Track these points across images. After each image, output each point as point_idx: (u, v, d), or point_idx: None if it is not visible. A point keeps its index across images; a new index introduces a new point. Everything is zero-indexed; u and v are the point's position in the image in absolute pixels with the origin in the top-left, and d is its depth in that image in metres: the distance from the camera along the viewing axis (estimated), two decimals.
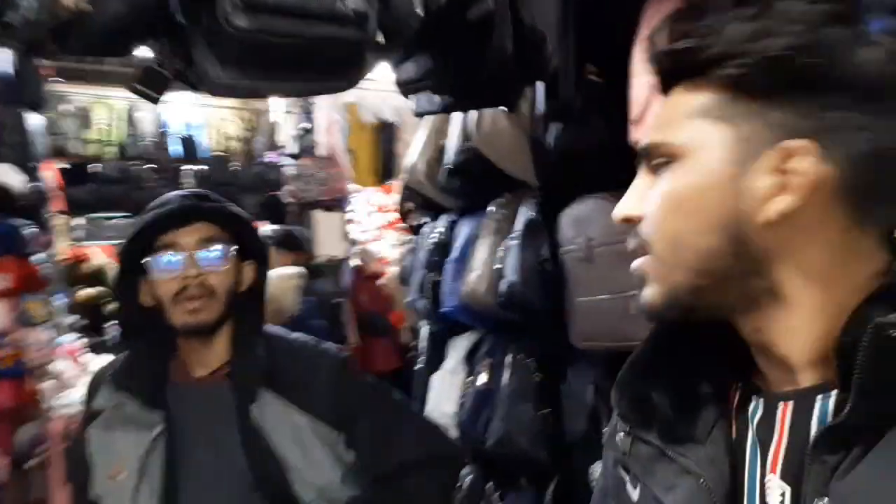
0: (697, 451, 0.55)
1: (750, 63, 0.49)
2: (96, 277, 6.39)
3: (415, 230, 2.50)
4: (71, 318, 4.91)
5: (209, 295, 1.08)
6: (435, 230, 2.15)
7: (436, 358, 2.14)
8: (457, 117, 1.83)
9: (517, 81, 1.09)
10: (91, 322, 5.92)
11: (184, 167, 5.95)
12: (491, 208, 1.78)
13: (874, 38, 0.49)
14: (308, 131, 6.24)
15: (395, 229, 8.10)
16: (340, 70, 0.95)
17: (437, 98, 1.18)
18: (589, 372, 1.53)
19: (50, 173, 4.11)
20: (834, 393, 0.49)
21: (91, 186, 5.58)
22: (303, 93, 1.08)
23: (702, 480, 0.54)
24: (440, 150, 1.98)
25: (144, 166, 5.78)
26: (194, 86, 0.92)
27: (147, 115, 5.96)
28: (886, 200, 0.51)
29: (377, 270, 6.34)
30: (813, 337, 0.50)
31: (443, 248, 2.04)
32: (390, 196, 7.95)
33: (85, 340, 4.58)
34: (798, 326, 0.51)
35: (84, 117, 5.70)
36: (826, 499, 0.45)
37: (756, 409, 0.55)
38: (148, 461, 1.07)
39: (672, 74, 0.55)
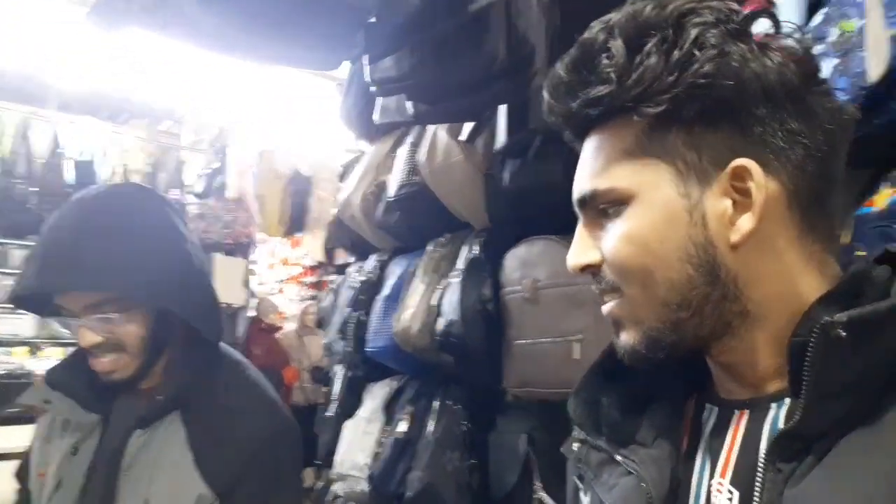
0: (640, 453, 0.56)
1: (671, 97, 0.49)
2: None
3: (339, 270, 2.39)
4: None
5: (118, 351, 0.95)
6: (363, 269, 2.06)
7: (350, 404, 2.00)
8: (402, 152, 1.79)
9: (497, 95, 1.06)
10: None
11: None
12: (430, 247, 1.72)
13: (771, 44, 0.51)
14: (218, 172, 6.01)
15: (297, 283, 7.88)
16: (331, 41, 0.88)
17: (408, 104, 1.13)
18: (522, 421, 1.46)
19: None
20: (788, 400, 0.49)
21: None
22: (287, 61, 0.99)
23: (642, 481, 0.54)
24: (379, 186, 1.92)
25: (31, 188, 5.31)
26: (162, 29, 0.81)
27: (43, 134, 5.53)
28: (825, 208, 0.52)
29: (274, 323, 6.06)
30: (778, 347, 0.49)
31: (371, 286, 1.95)
32: (296, 249, 7.75)
33: None
34: (764, 340, 0.51)
35: None
36: None
37: (709, 416, 0.56)
38: (71, 465, 0.97)
39: (588, 121, 0.55)
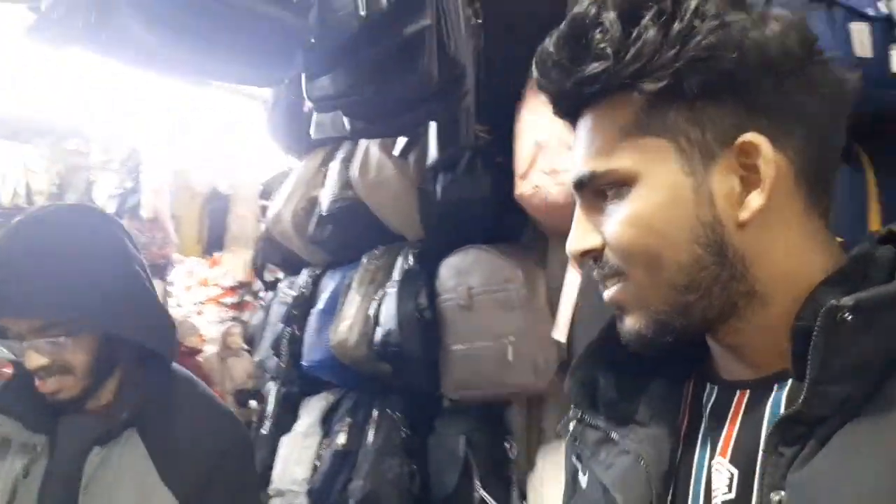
0: (639, 432, 0.55)
1: (673, 72, 0.47)
2: None
3: (268, 286, 2.38)
4: None
5: (64, 373, 0.94)
6: (295, 284, 2.07)
7: (286, 421, 1.99)
8: (333, 167, 1.82)
9: (430, 113, 1.12)
10: None
11: None
12: (365, 259, 1.76)
13: (770, 14, 0.49)
14: (132, 191, 5.79)
15: (217, 304, 7.64)
16: (271, 59, 0.90)
17: (343, 121, 1.17)
18: (460, 423, 1.52)
19: None
20: (790, 381, 0.48)
21: None
22: (230, 77, 0.99)
23: (640, 460, 0.53)
24: (310, 201, 1.94)
25: None
26: (104, 49, 0.81)
27: None
28: (827, 182, 0.51)
29: (195, 346, 5.86)
30: (783, 329, 0.48)
31: (305, 301, 1.96)
32: (215, 269, 7.53)
33: None
34: (769, 322, 0.50)
35: None
36: (783, 492, 0.44)
37: (710, 395, 0.54)
38: (22, 487, 0.94)
39: (582, 99, 0.52)
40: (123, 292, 0.95)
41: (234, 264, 7.03)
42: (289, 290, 2.11)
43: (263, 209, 6.60)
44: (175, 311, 6.66)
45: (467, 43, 0.99)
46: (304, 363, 1.85)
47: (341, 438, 1.71)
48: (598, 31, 0.48)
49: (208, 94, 5.88)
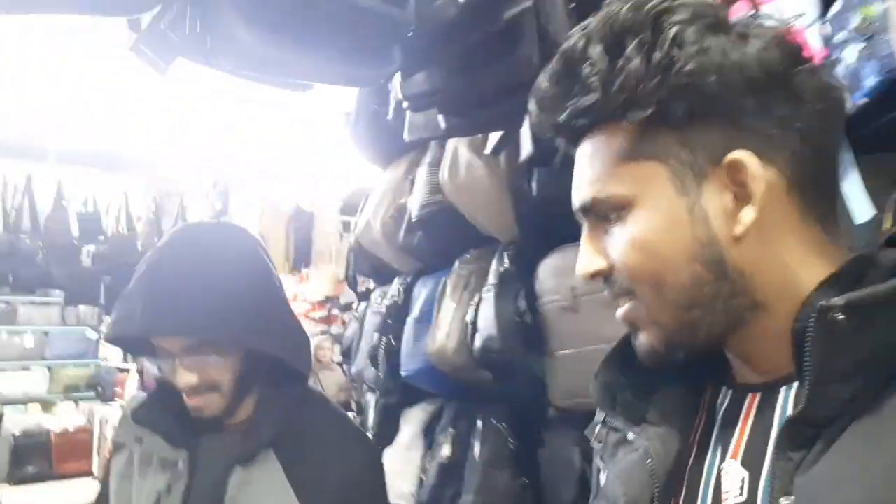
0: (649, 430, 0.57)
1: (658, 99, 0.49)
2: None
3: (361, 297, 2.37)
4: None
5: (211, 391, 0.96)
6: (387, 294, 2.04)
7: (387, 433, 1.96)
8: (421, 173, 1.78)
9: (527, 102, 1.05)
10: None
11: (84, 246, 5.52)
12: (457, 264, 1.70)
13: (750, 32, 0.50)
14: (221, 213, 6.03)
15: (306, 319, 7.84)
16: (373, 56, 0.87)
17: (439, 118, 1.13)
18: (571, 433, 1.43)
19: None
20: (796, 384, 0.49)
21: None
22: (333, 78, 0.97)
23: (647, 455, 0.55)
24: (398, 208, 1.91)
25: (37, 243, 5.31)
26: (208, 57, 0.80)
27: (45, 188, 5.55)
28: (824, 190, 0.52)
29: None
30: (787, 334, 0.49)
31: (398, 310, 1.93)
32: (303, 285, 7.74)
33: None
34: (774, 329, 0.51)
35: None
36: (792, 497, 0.45)
37: (724, 399, 0.56)
38: (165, 501, 0.97)
39: (578, 130, 0.55)
40: (267, 309, 0.97)
41: (321, 279, 7.22)
42: (381, 299, 2.09)
43: (345, 224, 6.74)
44: None
45: (566, 23, 0.92)
46: (402, 373, 1.81)
47: (445, 450, 1.66)
48: (586, 65, 0.51)
49: (287, 116, 6.07)
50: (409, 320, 1.82)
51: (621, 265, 0.53)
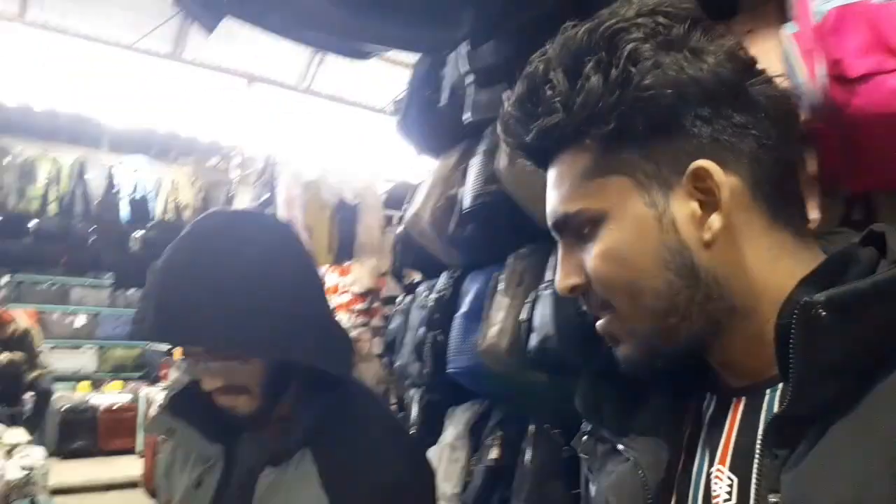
0: (638, 441, 0.58)
1: (618, 115, 0.51)
2: (18, 342, 5.82)
3: (407, 290, 2.31)
4: None
5: (240, 393, 0.89)
6: (434, 287, 1.97)
7: (430, 430, 1.90)
8: (475, 162, 1.70)
9: None
10: (7, 391, 5.33)
11: (133, 232, 5.64)
12: (510, 259, 1.62)
13: (706, 47, 0.52)
14: (267, 203, 6.07)
15: (347, 311, 7.88)
16: (444, 17, 0.80)
17: (503, 97, 1.05)
18: None
19: None
20: (781, 385, 0.50)
21: (27, 241, 5.17)
22: (402, 42, 0.91)
23: (637, 466, 0.56)
24: (448, 199, 1.84)
25: (90, 227, 5.44)
26: (260, 15, 0.74)
27: (98, 174, 5.67)
28: (788, 194, 0.53)
29: None
30: (769, 336, 0.49)
31: (446, 304, 1.85)
32: (345, 277, 7.77)
33: None
34: (755, 332, 0.52)
35: (26, 172, 5.36)
36: (779, 494, 0.45)
37: (709, 405, 0.57)
38: (193, 499, 0.93)
39: (545, 150, 0.57)
40: (300, 314, 0.87)
41: (363, 272, 7.22)
42: (428, 293, 2.02)
43: (388, 218, 6.73)
44: None
45: None
46: (449, 370, 1.74)
47: (493, 453, 1.58)
48: (547, 87, 0.53)
49: (335, 107, 6.07)
50: (458, 316, 1.75)
51: (597, 278, 0.54)
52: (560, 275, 0.58)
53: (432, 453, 1.80)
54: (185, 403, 0.96)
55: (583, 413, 0.65)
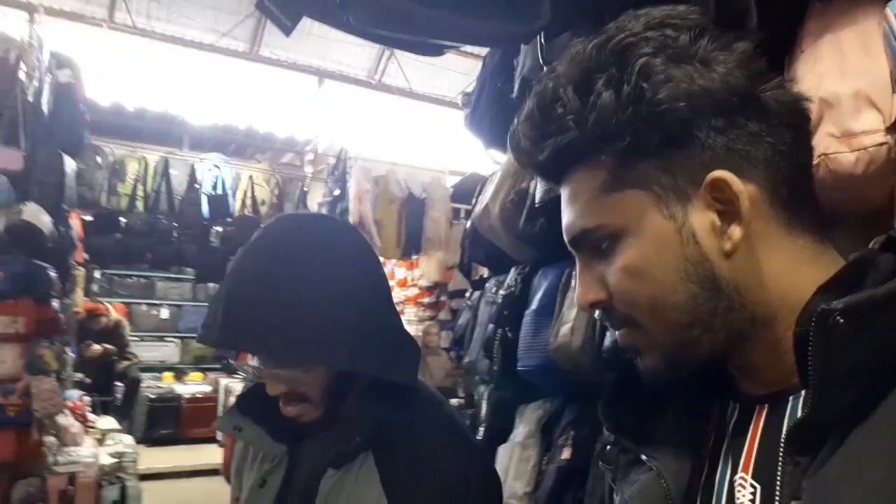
0: (662, 450, 0.58)
1: (632, 130, 0.50)
2: (111, 333, 6.18)
3: (475, 285, 2.29)
4: (78, 375, 4.68)
5: (302, 402, 0.89)
6: (503, 283, 1.94)
7: (499, 428, 1.88)
8: None
9: None
10: (99, 380, 5.67)
11: (213, 227, 5.87)
12: None
13: (716, 57, 0.51)
14: (339, 199, 6.19)
15: (415, 304, 7.94)
16: (523, 9, 0.77)
17: None
18: None
19: (75, 222, 3.99)
20: (803, 392, 0.49)
21: (116, 237, 5.47)
22: (482, 38, 0.88)
23: (660, 475, 0.56)
24: (519, 193, 1.80)
25: (174, 224, 5.69)
26: (337, 14, 0.73)
27: (180, 172, 5.93)
28: (806, 199, 0.53)
29: None
30: (789, 342, 0.48)
31: (514, 301, 1.82)
32: (412, 271, 7.83)
33: (88, 399, 4.33)
34: (776, 340, 0.52)
35: (117, 170, 5.66)
36: (801, 501, 0.45)
37: (732, 413, 0.56)
38: (257, 497, 0.94)
39: (559, 168, 0.56)
40: (365, 325, 0.86)
41: (430, 265, 7.26)
42: (497, 289, 2.00)
43: (455, 212, 6.71)
44: None
45: None
46: (519, 367, 1.71)
47: (565, 453, 1.55)
48: (558, 105, 0.53)
49: (404, 101, 6.11)
50: (528, 313, 1.72)
51: (619, 294, 0.54)
52: (580, 291, 0.57)
53: (502, 451, 1.78)
54: (253, 403, 0.97)
55: (605, 423, 0.65)
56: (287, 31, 0.75)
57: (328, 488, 0.89)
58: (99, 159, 5.46)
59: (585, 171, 0.54)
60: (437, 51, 0.87)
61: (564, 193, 0.57)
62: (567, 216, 0.57)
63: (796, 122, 0.53)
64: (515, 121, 0.58)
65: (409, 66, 6.30)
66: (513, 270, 1.95)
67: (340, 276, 0.86)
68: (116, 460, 3.30)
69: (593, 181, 0.54)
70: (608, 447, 0.65)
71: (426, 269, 7.41)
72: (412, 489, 0.87)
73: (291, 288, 0.82)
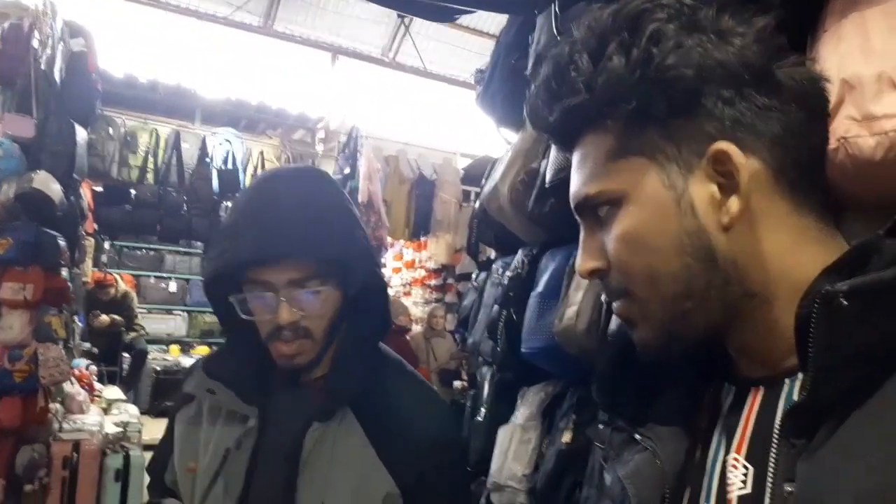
0: (656, 430, 0.58)
1: (639, 94, 0.51)
2: (119, 304, 6.23)
3: (482, 266, 2.28)
4: (86, 344, 4.72)
5: (305, 337, 0.93)
6: (509, 265, 1.92)
7: (501, 409, 1.87)
8: None
9: None
10: (107, 351, 5.73)
11: (223, 202, 5.87)
12: None
13: (733, 29, 0.51)
14: (349, 177, 6.16)
15: (422, 286, 7.93)
16: None
17: None
18: None
19: (85, 192, 4.00)
20: (801, 375, 0.49)
21: (125, 208, 5.49)
22: (494, 4, 0.87)
23: (655, 455, 0.56)
24: (529, 173, 1.77)
25: (184, 197, 5.70)
26: None
27: (191, 145, 5.93)
28: (814, 180, 0.52)
29: (404, 325, 6.11)
30: (789, 325, 0.48)
31: (521, 283, 1.81)
32: (421, 252, 7.81)
33: (95, 368, 4.37)
34: (775, 320, 0.51)
35: (128, 142, 5.67)
36: (795, 483, 0.45)
37: (727, 394, 0.56)
38: (232, 460, 0.95)
39: (570, 132, 0.57)
40: (360, 236, 0.96)
41: (439, 247, 7.24)
42: (503, 270, 1.98)
43: (465, 194, 6.67)
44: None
45: None
46: (522, 349, 1.70)
47: (566, 437, 1.53)
48: (572, 68, 0.53)
49: (417, 80, 6.06)
50: (534, 295, 1.70)
51: (616, 261, 0.54)
52: (580, 258, 0.58)
53: (502, 432, 1.77)
54: (220, 365, 1.01)
55: (599, 402, 0.66)
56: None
57: (312, 442, 0.92)
58: (111, 130, 5.46)
59: (594, 137, 0.55)
60: (449, 16, 0.85)
61: (574, 159, 0.57)
62: (574, 182, 0.57)
63: (812, 101, 0.53)
64: (533, 85, 0.58)
65: (423, 44, 6.25)
66: (520, 252, 1.93)
67: (345, 205, 0.98)
68: (121, 429, 3.33)
69: (601, 147, 0.54)
70: (600, 426, 0.65)
71: (434, 251, 7.41)
72: (401, 443, 0.93)
73: (312, 201, 0.92)
